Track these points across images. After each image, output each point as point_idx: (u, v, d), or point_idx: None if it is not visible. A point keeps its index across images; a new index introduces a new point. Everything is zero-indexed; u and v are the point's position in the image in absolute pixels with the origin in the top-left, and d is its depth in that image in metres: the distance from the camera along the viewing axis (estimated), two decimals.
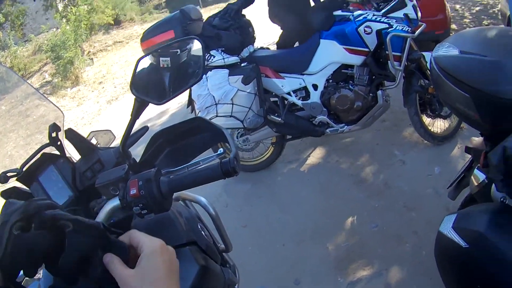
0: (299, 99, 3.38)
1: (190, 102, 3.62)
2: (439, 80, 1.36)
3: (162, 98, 1.14)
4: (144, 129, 1.40)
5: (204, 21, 3.50)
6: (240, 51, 3.32)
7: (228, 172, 0.91)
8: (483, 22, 8.78)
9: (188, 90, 3.47)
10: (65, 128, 1.26)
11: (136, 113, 1.12)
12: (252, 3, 3.64)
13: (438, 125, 3.67)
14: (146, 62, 1.21)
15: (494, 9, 10.41)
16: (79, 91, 10.35)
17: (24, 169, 1.23)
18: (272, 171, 3.82)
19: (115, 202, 0.94)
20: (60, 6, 17.73)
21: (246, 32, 3.42)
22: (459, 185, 1.66)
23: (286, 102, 3.44)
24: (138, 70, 1.14)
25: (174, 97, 1.13)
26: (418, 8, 3.24)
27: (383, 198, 3.14)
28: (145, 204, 0.90)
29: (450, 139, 3.62)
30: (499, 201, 1.27)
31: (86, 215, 1.02)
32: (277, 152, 3.74)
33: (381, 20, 3.12)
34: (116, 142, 1.41)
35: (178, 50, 1.37)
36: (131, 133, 1.28)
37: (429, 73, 3.31)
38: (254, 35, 3.59)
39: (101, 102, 8.37)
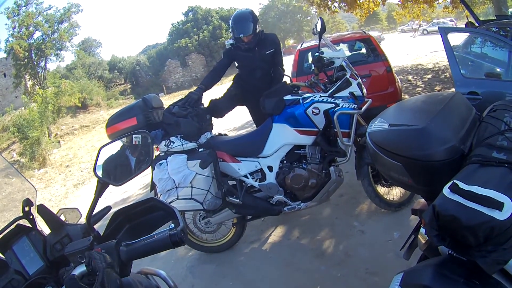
0: (255, 181, 3.50)
1: (153, 186, 3.68)
2: (374, 154, 1.50)
3: (119, 181, 1.36)
4: (107, 208, 1.55)
5: (164, 109, 3.66)
6: (198, 137, 3.45)
7: (176, 242, 1.14)
8: (435, 88, 9.43)
9: (150, 175, 3.57)
10: (37, 204, 1.39)
11: (99, 192, 1.32)
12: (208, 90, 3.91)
13: (395, 193, 3.86)
14: (108, 150, 1.41)
15: (445, 74, 11.25)
16: (46, 173, 10.28)
17: None
18: (236, 251, 3.84)
19: (82, 268, 1.10)
20: (29, 84, 17.95)
21: (203, 119, 3.57)
22: (411, 245, 1.71)
23: (243, 184, 3.54)
24: (100, 156, 1.35)
25: (127, 180, 1.36)
26: (362, 86, 3.51)
27: (346, 267, 3.20)
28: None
29: (407, 204, 3.79)
30: (446, 254, 1.31)
31: (55, 282, 1.23)
32: (239, 233, 3.79)
33: (328, 101, 3.37)
34: (82, 220, 1.53)
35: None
36: (95, 212, 1.44)
37: None
38: (212, 122, 3.76)
39: (68, 186, 8.32)
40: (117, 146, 1.48)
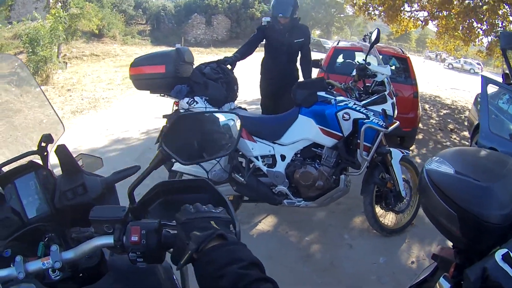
0: (265, 165, 3.44)
1: (160, 138, 3.61)
2: (428, 192, 1.44)
3: (188, 159, 1.16)
4: (136, 168, 1.35)
5: (195, 66, 3.57)
6: (222, 105, 3.38)
7: None
8: (448, 126, 9.42)
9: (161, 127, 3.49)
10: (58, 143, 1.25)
11: (156, 164, 1.11)
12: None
13: (390, 218, 3.84)
14: (181, 120, 1.19)
15: (460, 115, 11.24)
16: (46, 91, 10.07)
17: (3, 169, 1.23)
18: None
19: (107, 240, 0.94)
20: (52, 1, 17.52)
21: (231, 88, 3.50)
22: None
23: (251, 165, 3.48)
24: (172, 125, 1.14)
25: (199, 162, 1.16)
26: (396, 106, 3.46)
27: (328, 276, 3.19)
28: (143, 253, 0.91)
29: (399, 232, 3.79)
30: None
31: (58, 237, 1.04)
32: None
33: (361, 110, 3.31)
34: (102, 171, 1.44)
35: None
36: (121, 169, 1.30)
37: (391, 168, 3.50)
38: (237, 93, 3.68)
39: (66, 110, 8.15)
40: (194, 119, 1.29)
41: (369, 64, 3.42)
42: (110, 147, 5.77)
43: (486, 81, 4.05)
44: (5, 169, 1.26)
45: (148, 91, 3.62)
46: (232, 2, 35.56)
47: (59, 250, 0.93)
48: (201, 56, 19.77)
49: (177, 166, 3.24)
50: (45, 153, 1.27)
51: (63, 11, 13.33)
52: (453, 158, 1.49)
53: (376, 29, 3.48)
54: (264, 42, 4.62)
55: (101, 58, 19.58)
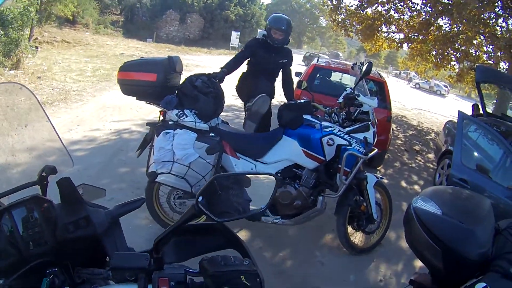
0: None
1: (142, 146, 3.58)
2: (414, 228, 1.59)
3: (221, 217, 1.11)
4: (141, 200, 1.33)
5: (185, 77, 3.56)
6: (210, 119, 3.41)
7: None
8: (414, 147, 9.76)
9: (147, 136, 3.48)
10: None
11: (187, 219, 1.09)
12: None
13: (359, 238, 3.99)
14: (218, 180, 1.16)
15: (426, 137, 11.66)
16: (16, 76, 9.75)
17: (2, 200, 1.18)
18: None
19: None
20: None
21: (219, 102, 3.52)
22: None
23: None
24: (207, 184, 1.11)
25: (232, 220, 1.15)
26: (376, 135, 3.64)
27: None
28: None
29: (367, 252, 3.96)
30: None
31: (62, 272, 1.01)
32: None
33: (344, 137, 3.46)
34: (104, 201, 1.40)
35: None
36: (125, 201, 1.28)
37: (366, 192, 3.65)
38: (223, 108, 3.69)
39: None
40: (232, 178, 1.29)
41: (358, 95, 3.59)
42: (81, 145, 5.61)
43: (462, 116, 4.29)
44: (4, 200, 1.23)
45: (135, 97, 3.59)
46: (208, 2, 35.44)
47: None
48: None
49: (161, 178, 3.25)
50: (45, 183, 1.24)
51: None
52: (440, 199, 1.65)
53: (369, 62, 3.62)
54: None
55: (72, 46, 19.08)
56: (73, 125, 6.51)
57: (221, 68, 4.18)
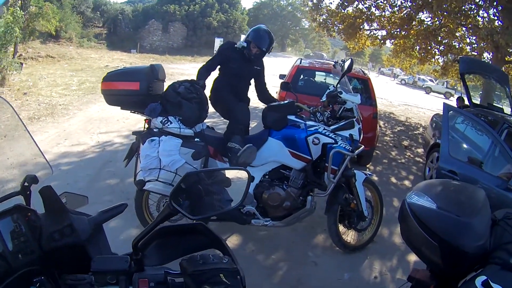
0: None
1: (129, 155, 3.57)
2: (411, 225, 1.59)
3: (196, 214, 1.15)
4: (123, 206, 1.34)
5: (168, 84, 3.54)
6: (195, 125, 3.40)
7: None
8: (403, 143, 9.82)
9: (133, 146, 3.47)
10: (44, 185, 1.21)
11: (163, 219, 1.10)
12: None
13: (351, 236, 4.00)
14: (189, 177, 1.18)
15: (414, 132, 11.74)
16: (2, 93, 9.63)
17: None
18: None
19: None
20: None
21: (203, 108, 3.49)
22: None
23: None
24: (178, 182, 1.13)
25: (206, 217, 1.16)
26: (361, 132, 3.65)
27: None
28: None
29: (360, 250, 3.97)
30: None
31: (48, 280, 1.02)
32: None
33: (329, 135, 3.47)
34: (86, 209, 1.41)
35: None
36: (108, 208, 1.30)
37: (355, 190, 3.66)
38: (208, 113, 3.64)
39: (23, 116, 7.79)
40: (203, 175, 1.32)
41: (341, 93, 3.59)
42: (70, 159, 5.57)
43: (447, 108, 4.31)
44: None
45: (119, 107, 3.58)
46: (190, 10, 35.39)
47: None
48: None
49: (149, 186, 3.23)
50: (28, 193, 1.25)
51: (20, 10, 12.75)
52: (434, 193, 1.65)
53: (350, 59, 3.64)
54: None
55: (57, 60, 18.96)
56: (60, 139, 6.48)
57: (198, 77, 3.85)
